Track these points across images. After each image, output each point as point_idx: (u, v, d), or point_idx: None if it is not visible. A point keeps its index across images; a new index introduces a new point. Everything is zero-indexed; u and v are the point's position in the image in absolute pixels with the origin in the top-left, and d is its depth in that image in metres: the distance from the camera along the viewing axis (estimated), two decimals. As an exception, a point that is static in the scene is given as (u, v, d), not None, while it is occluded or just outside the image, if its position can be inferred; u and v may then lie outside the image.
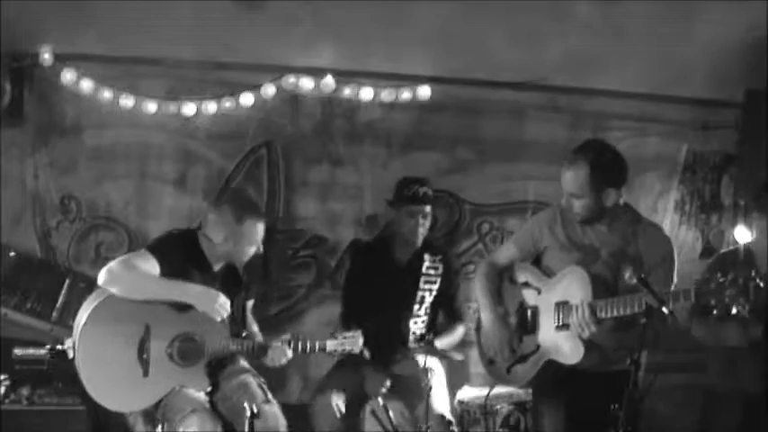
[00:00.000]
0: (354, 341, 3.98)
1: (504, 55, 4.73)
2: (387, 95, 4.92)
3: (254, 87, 4.83)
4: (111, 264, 3.76)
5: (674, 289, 3.37)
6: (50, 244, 4.86)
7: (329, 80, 4.83)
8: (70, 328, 3.87)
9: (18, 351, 4.20)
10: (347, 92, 4.89)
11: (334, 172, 5.07)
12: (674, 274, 3.52)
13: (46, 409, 4.08)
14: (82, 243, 4.90)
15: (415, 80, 4.92)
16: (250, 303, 4.22)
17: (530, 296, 3.74)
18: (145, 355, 3.73)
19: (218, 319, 3.80)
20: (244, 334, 4.02)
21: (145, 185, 4.92)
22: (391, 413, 3.98)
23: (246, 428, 3.45)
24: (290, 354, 3.93)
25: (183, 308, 3.79)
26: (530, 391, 4.00)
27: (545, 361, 3.62)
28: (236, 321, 3.96)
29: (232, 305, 3.86)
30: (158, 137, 4.91)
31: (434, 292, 4.53)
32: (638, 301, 3.24)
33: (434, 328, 4.53)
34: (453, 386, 4.53)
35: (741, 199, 4.93)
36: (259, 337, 4.06)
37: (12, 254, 4.71)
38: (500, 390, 4.26)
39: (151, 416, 3.76)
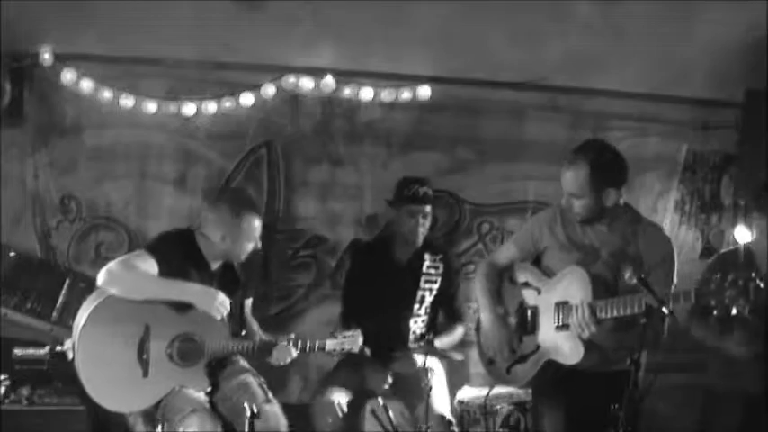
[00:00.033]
0: (354, 340, 3.99)
1: (504, 55, 4.73)
2: (387, 95, 4.91)
3: (254, 87, 4.83)
4: (111, 264, 3.77)
5: (674, 290, 3.38)
6: (50, 244, 4.85)
7: (329, 80, 4.83)
8: (70, 328, 3.86)
9: (18, 351, 4.20)
10: (347, 92, 4.89)
11: (334, 172, 5.06)
12: (674, 275, 3.52)
13: (46, 409, 4.07)
14: (82, 243, 4.89)
15: (415, 80, 4.92)
16: (249, 302, 4.22)
17: (530, 296, 3.74)
18: (145, 356, 3.73)
19: (218, 317, 3.80)
20: (243, 333, 4.02)
21: (145, 185, 4.92)
22: (391, 413, 3.98)
23: (246, 428, 3.45)
24: (294, 353, 3.94)
25: (182, 308, 3.79)
26: (530, 391, 4.00)
27: (545, 361, 3.62)
28: (235, 320, 3.96)
29: (231, 304, 3.86)
30: (158, 137, 4.91)
31: (435, 292, 4.53)
32: (637, 301, 3.24)
33: (434, 328, 4.53)
34: (453, 386, 4.53)
35: (741, 199, 4.93)
36: (261, 336, 4.06)
37: (12, 254, 4.71)
38: (500, 390, 4.26)
39: (151, 416, 3.76)
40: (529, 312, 3.72)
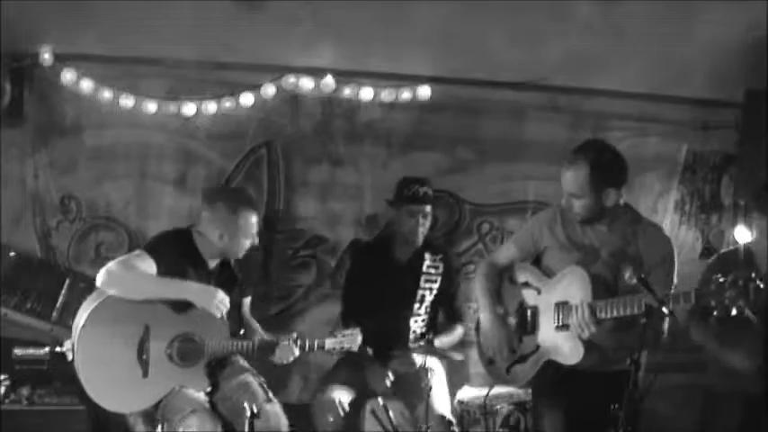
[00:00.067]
0: (353, 339, 4.00)
1: (504, 55, 4.72)
2: (387, 95, 4.91)
3: (254, 87, 4.83)
4: (110, 265, 3.77)
5: (673, 291, 3.38)
6: (50, 244, 4.85)
7: (329, 80, 4.83)
8: (70, 328, 3.86)
9: (18, 351, 4.20)
10: (347, 92, 4.89)
11: (335, 172, 5.06)
12: (674, 275, 3.52)
13: (46, 409, 4.07)
14: (82, 243, 4.89)
15: (415, 80, 4.92)
16: (247, 301, 4.23)
17: (529, 296, 3.74)
18: (144, 356, 3.73)
19: (218, 315, 3.80)
20: (241, 332, 4.03)
21: (145, 185, 4.92)
22: (391, 413, 3.98)
23: (247, 428, 3.45)
24: (296, 352, 3.95)
25: (182, 308, 3.79)
26: (529, 391, 4.00)
27: (545, 361, 3.62)
28: (233, 319, 3.96)
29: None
30: (158, 137, 4.90)
31: (435, 291, 4.54)
32: (637, 301, 3.24)
33: (435, 328, 4.54)
34: (453, 386, 4.53)
35: (741, 199, 4.93)
36: (262, 335, 4.07)
37: (12, 254, 4.71)
38: (500, 390, 4.26)
39: (151, 416, 3.77)
40: (529, 312, 3.73)
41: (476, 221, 5.18)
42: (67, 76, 4.68)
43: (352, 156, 5.06)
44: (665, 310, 3.05)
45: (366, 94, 4.88)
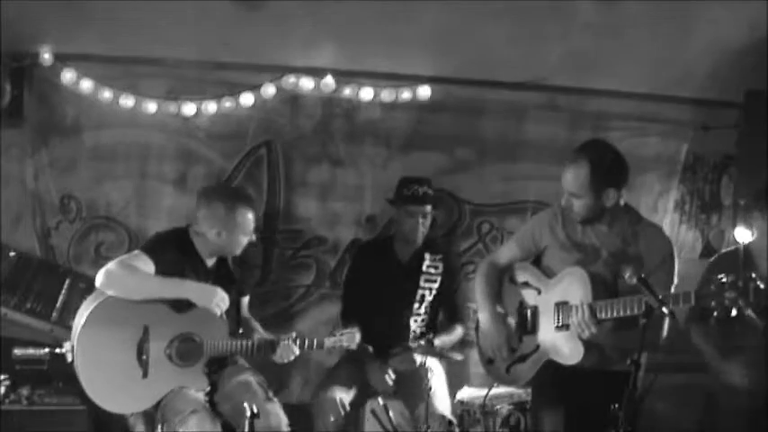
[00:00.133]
0: (351, 337, 4.01)
1: (504, 55, 4.72)
2: (387, 95, 4.91)
3: (254, 87, 4.83)
4: (108, 266, 3.77)
5: (674, 291, 3.38)
6: (50, 244, 4.85)
7: (329, 80, 4.83)
8: (70, 328, 3.87)
9: (18, 351, 4.20)
10: (347, 92, 4.89)
11: (335, 172, 5.06)
12: (674, 276, 3.52)
13: (46, 409, 4.07)
14: (82, 243, 4.89)
15: (415, 80, 4.92)
16: (245, 300, 4.23)
17: (530, 296, 3.75)
18: (144, 357, 3.73)
19: (218, 313, 3.80)
20: (240, 331, 4.03)
21: (145, 185, 4.91)
22: (391, 413, 3.98)
23: (247, 428, 3.45)
24: (297, 351, 3.95)
25: (181, 308, 3.79)
26: (529, 391, 4.00)
27: (544, 361, 3.62)
28: (232, 318, 3.97)
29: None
30: (158, 137, 4.90)
31: (434, 291, 4.54)
32: (637, 302, 3.24)
33: (435, 328, 4.54)
34: (453, 386, 4.53)
35: (741, 199, 4.93)
36: (262, 335, 4.07)
37: (12, 254, 4.70)
38: (500, 390, 4.26)
39: (151, 417, 3.77)
40: (529, 312, 3.73)
41: (476, 221, 5.18)
42: (67, 76, 4.68)
43: (352, 156, 5.05)
44: (665, 310, 3.05)
45: (366, 94, 4.88)
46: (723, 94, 4.99)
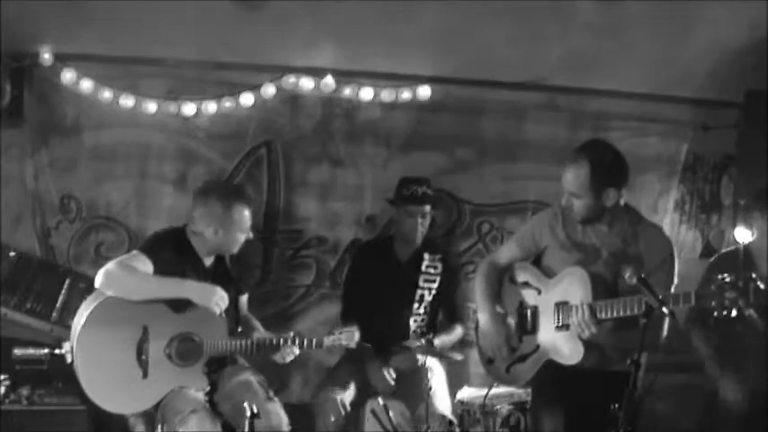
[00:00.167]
0: (350, 336, 4.01)
1: (504, 55, 4.72)
2: (387, 95, 4.91)
3: (254, 87, 4.83)
4: (107, 266, 3.77)
5: (674, 291, 3.38)
6: (50, 244, 4.85)
7: (329, 80, 4.83)
8: (70, 328, 3.87)
9: (18, 351, 4.20)
10: (347, 92, 4.89)
11: (335, 172, 5.06)
12: (674, 276, 3.52)
13: (46, 409, 4.07)
14: (82, 243, 4.89)
15: (415, 80, 4.92)
16: (244, 299, 4.23)
17: (530, 296, 3.74)
18: (144, 357, 3.73)
19: (218, 312, 3.80)
20: (239, 330, 4.03)
21: (145, 185, 4.91)
22: (391, 413, 3.98)
23: (247, 428, 3.45)
24: (297, 350, 3.96)
25: (180, 308, 3.79)
26: (529, 390, 4.00)
27: (545, 361, 3.62)
28: (231, 317, 3.97)
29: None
30: (158, 137, 4.90)
31: (434, 291, 4.55)
32: (637, 302, 3.24)
33: (434, 328, 4.54)
34: (453, 386, 4.53)
35: (741, 199, 4.93)
36: (261, 333, 4.07)
37: (12, 254, 4.70)
38: (500, 390, 4.26)
39: (151, 417, 3.77)
40: (529, 312, 3.72)
41: (476, 221, 5.18)
42: (67, 76, 4.68)
43: (352, 156, 5.05)
44: (665, 310, 3.05)
45: (366, 94, 4.89)
46: (723, 94, 4.99)
